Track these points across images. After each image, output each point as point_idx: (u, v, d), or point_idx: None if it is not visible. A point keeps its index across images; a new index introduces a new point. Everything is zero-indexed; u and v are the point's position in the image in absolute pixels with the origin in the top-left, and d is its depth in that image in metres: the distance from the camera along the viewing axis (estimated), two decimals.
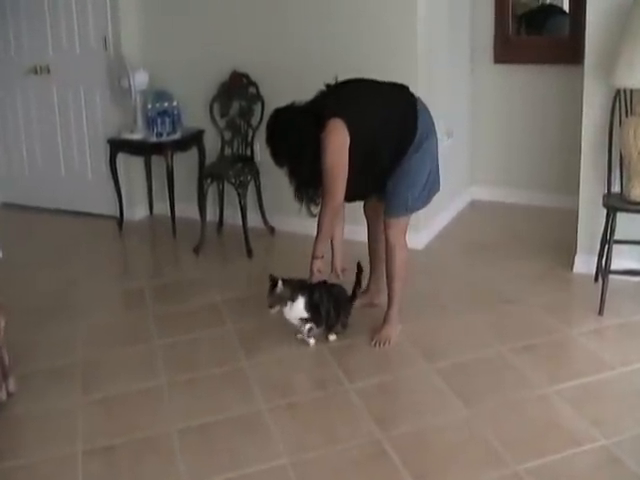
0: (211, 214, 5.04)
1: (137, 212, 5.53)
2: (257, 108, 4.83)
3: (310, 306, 3.31)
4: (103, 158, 5.36)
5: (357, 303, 3.57)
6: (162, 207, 5.38)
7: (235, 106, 4.92)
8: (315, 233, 3.29)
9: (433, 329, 3.62)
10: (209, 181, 4.78)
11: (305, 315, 3.32)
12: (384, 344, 3.35)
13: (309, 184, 3.20)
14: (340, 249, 3.49)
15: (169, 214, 5.08)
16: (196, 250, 4.75)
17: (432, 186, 3.38)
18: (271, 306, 3.30)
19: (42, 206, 5.73)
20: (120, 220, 5.33)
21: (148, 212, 5.60)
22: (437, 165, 3.37)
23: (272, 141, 3.17)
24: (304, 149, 3.08)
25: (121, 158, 5.24)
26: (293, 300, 3.28)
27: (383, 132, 3.18)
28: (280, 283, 3.26)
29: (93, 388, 3.25)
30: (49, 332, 3.80)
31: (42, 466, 2.75)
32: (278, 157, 3.19)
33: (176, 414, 3.02)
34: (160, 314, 3.94)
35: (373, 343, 3.35)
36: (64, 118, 5.54)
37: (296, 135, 3.09)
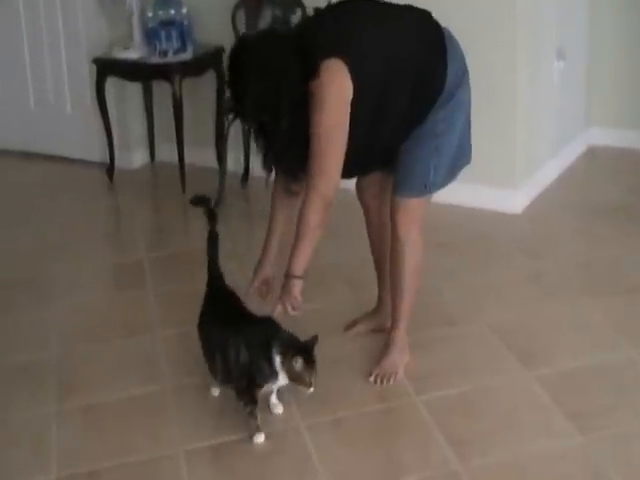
0: (233, 161, 5.05)
1: (134, 158, 5.57)
2: (296, 17, 4.78)
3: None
4: (87, 85, 5.38)
5: (362, 328, 3.50)
6: (167, 152, 5.41)
7: (266, 15, 4.89)
8: (297, 237, 2.91)
9: (534, 324, 3.60)
10: (231, 117, 4.75)
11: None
12: (388, 380, 3.19)
13: (287, 155, 2.91)
14: (275, 250, 3.12)
15: (176, 161, 5.09)
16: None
17: (461, 155, 3.13)
18: None
19: (5, 148, 5.79)
20: (111, 168, 5.36)
21: (148, 158, 5.64)
22: (469, 126, 3.16)
23: (235, 86, 2.83)
24: (284, 103, 2.75)
25: (111, 85, 5.24)
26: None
27: (399, 78, 2.88)
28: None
29: (72, 393, 3.27)
30: (15, 316, 3.84)
31: None
32: (244, 111, 2.88)
33: (183, 430, 3.02)
34: (164, 295, 3.96)
35: (372, 379, 3.19)
36: (33, 30, 5.55)
37: (273, 81, 2.75)
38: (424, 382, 3.21)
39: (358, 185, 3.34)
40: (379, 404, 3.10)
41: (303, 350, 2.80)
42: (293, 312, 2.92)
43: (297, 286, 2.90)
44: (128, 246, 4.63)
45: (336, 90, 2.76)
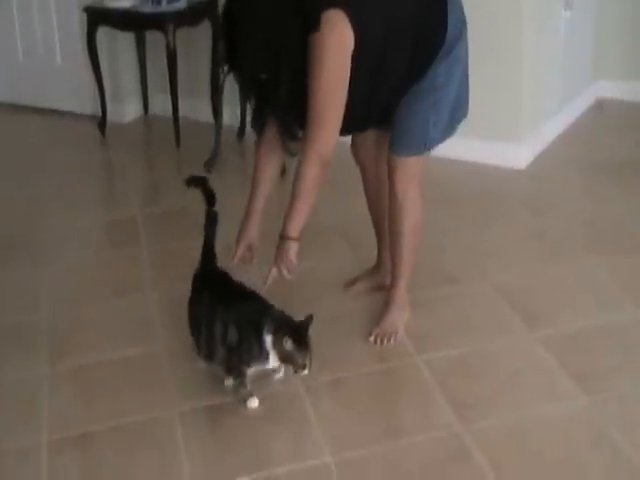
0: (229, 115, 5.03)
1: (126, 111, 5.55)
2: None
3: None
4: (77, 35, 5.33)
5: (362, 286, 3.50)
6: (161, 105, 5.38)
7: None
8: (294, 196, 2.83)
9: (538, 284, 3.60)
10: (226, 68, 4.71)
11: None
12: (388, 340, 3.19)
13: (287, 112, 2.80)
14: (259, 213, 3.03)
15: (170, 114, 5.06)
16: (208, 165, 4.75)
17: (458, 109, 3.06)
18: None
19: None
20: (102, 122, 5.34)
21: (141, 111, 5.64)
22: (467, 79, 3.07)
23: (231, 39, 2.70)
24: (284, 57, 2.66)
25: (103, 35, 5.20)
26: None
27: (399, 36, 2.81)
28: None
29: (64, 355, 3.27)
30: (5, 276, 3.84)
31: None
32: (240, 66, 2.75)
33: (178, 391, 3.02)
34: (158, 253, 3.96)
35: (372, 339, 3.19)
36: None
37: (271, 34, 2.66)
38: (425, 342, 3.21)
39: (353, 143, 3.29)
40: (379, 364, 3.10)
41: (295, 330, 2.72)
42: (288, 276, 2.87)
43: (293, 248, 2.84)
44: (121, 203, 4.63)
45: (337, 42, 2.68)
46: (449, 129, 3.08)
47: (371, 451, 2.72)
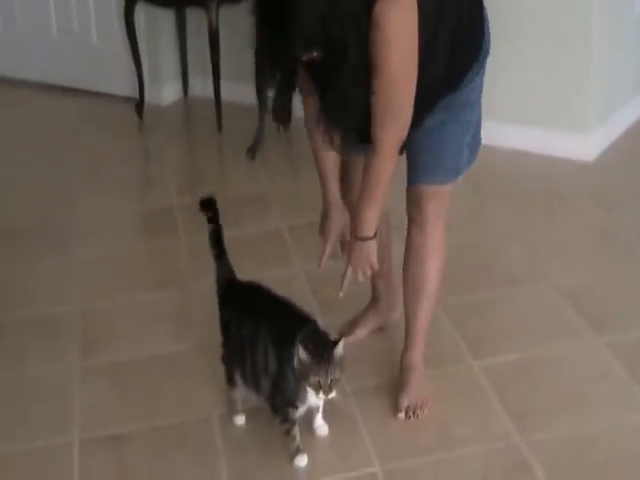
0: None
1: (165, 93, 5.56)
2: None
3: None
4: (114, 13, 5.35)
5: (361, 332, 3.26)
6: (202, 87, 5.40)
7: None
8: (368, 190, 2.65)
9: (605, 285, 3.56)
10: (263, 44, 4.72)
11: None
12: (422, 411, 2.91)
13: (351, 105, 2.53)
14: (338, 194, 2.88)
15: (211, 97, 5.07)
16: (251, 150, 4.76)
17: (479, 131, 2.89)
18: None
19: (24, 79, 5.80)
20: (140, 104, 5.36)
21: (181, 93, 5.64)
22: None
23: (280, 8, 2.35)
24: (349, 32, 2.37)
25: (141, 12, 5.23)
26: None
27: (446, 15, 2.59)
28: None
29: (96, 349, 3.31)
30: (36, 266, 3.88)
31: (21, 461, 2.82)
32: (292, 41, 2.36)
33: (217, 391, 3.01)
34: (197, 244, 3.89)
35: (403, 415, 2.90)
36: None
37: (332, 4, 2.33)
38: (482, 346, 3.20)
39: (345, 183, 2.93)
40: (433, 370, 3.07)
41: (318, 342, 2.54)
42: (362, 279, 2.78)
43: (373, 249, 2.71)
44: (158, 190, 4.64)
45: (408, 15, 2.45)
46: (477, 152, 2.90)
47: (421, 461, 2.71)
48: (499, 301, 3.46)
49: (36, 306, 3.59)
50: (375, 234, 2.70)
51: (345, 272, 2.74)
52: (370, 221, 2.68)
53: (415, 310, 2.96)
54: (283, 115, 2.76)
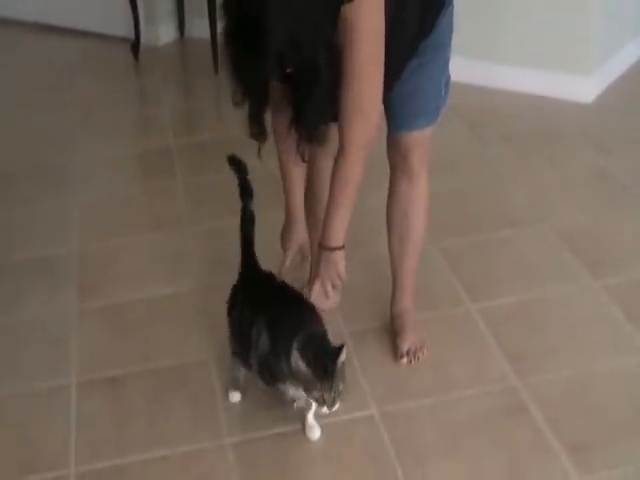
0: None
1: (161, 34, 5.52)
2: None
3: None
4: None
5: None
6: (198, 27, 5.35)
7: None
8: (335, 196, 2.53)
9: (604, 228, 3.55)
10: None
11: None
12: (422, 353, 2.91)
13: (324, 112, 2.45)
14: (301, 209, 2.84)
15: (208, 37, 5.02)
16: None
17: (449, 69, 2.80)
18: None
19: (19, 19, 5.76)
20: (136, 44, 5.31)
21: (177, 34, 5.60)
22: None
23: (250, 21, 2.26)
24: (319, 39, 2.30)
25: None
26: None
27: None
28: None
29: (93, 292, 3.30)
30: (32, 208, 3.87)
31: (18, 403, 2.83)
32: (265, 58, 2.28)
33: (214, 334, 3.00)
34: (194, 186, 3.97)
35: (405, 360, 2.90)
36: None
37: (304, 10, 2.25)
38: (480, 289, 3.18)
39: (310, 197, 2.87)
40: (430, 312, 3.07)
41: (318, 351, 2.44)
42: (332, 294, 2.63)
43: (342, 260, 2.59)
44: (155, 132, 4.62)
45: (376, 16, 2.40)
46: (449, 88, 2.80)
47: (418, 404, 2.71)
48: (497, 244, 3.45)
49: (32, 249, 3.58)
50: (343, 245, 2.59)
51: (312, 284, 2.62)
52: (337, 230, 2.57)
53: (402, 258, 2.94)
54: (258, 132, 2.57)
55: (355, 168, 2.50)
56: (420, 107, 2.72)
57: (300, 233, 2.83)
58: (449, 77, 2.74)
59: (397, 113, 2.73)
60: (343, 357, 2.43)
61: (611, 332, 2.97)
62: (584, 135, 4.22)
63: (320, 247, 2.60)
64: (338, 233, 2.57)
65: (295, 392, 2.48)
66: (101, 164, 4.25)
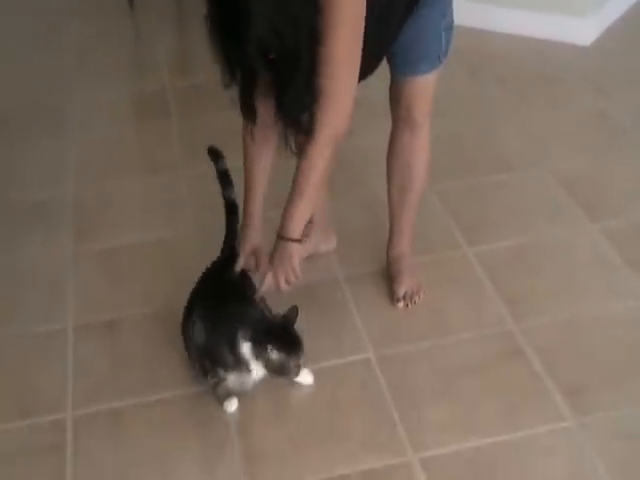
0: None
1: None
2: None
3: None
4: None
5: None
6: None
7: None
8: (297, 186, 2.47)
9: (601, 171, 3.53)
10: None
11: None
12: (418, 296, 2.91)
13: (303, 99, 2.39)
14: (260, 211, 2.70)
15: None
16: None
17: (452, 15, 2.73)
18: None
19: None
20: None
21: None
22: None
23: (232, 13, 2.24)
24: (303, 28, 2.27)
25: None
26: None
27: None
28: None
29: (89, 235, 3.30)
30: (29, 149, 3.85)
31: (16, 346, 2.83)
32: (247, 48, 2.24)
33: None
34: (189, 129, 3.94)
35: (402, 305, 2.90)
36: None
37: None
38: (476, 233, 3.17)
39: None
40: (425, 255, 3.06)
41: (280, 334, 2.45)
42: (285, 286, 2.56)
43: (296, 253, 2.52)
44: (149, 74, 4.59)
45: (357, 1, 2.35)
46: (452, 34, 2.73)
47: (415, 347, 2.71)
48: (494, 187, 3.43)
49: (28, 191, 3.57)
50: (300, 239, 2.51)
51: (264, 274, 2.56)
52: (296, 221, 2.50)
53: (402, 206, 2.92)
54: (248, 113, 2.52)
55: (320, 160, 2.43)
56: (421, 53, 2.66)
57: (255, 234, 2.69)
58: (450, 23, 2.68)
59: (399, 60, 2.68)
60: (296, 321, 2.47)
61: (608, 276, 2.96)
62: (583, 77, 4.19)
63: (277, 236, 2.52)
64: (297, 225, 2.49)
65: (237, 378, 2.49)
66: (97, 106, 4.22)
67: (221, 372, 2.52)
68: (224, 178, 2.77)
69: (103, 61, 4.67)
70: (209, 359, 2.53)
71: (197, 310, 2.59)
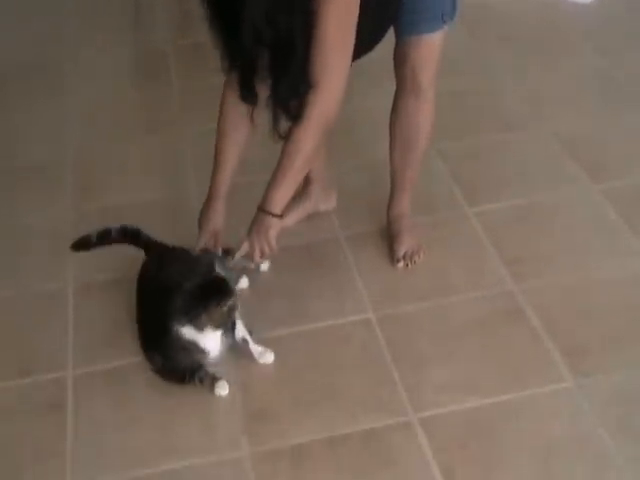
0: None
1: None
2: None
3: None
4: None
5: (292, 217, 2.99)
6: None
7: None
8: (281, 167, 2.46)
9: (603, 131, 3.51)
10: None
11: None
12: (419, 256, 2.90)
13: (298, 83, 2.39)
14: (225, 193, 2.69)
15: None
16: None
17: None
18: None
19: None
20: None
21: None
22: None
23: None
24: (297, 14, 2.28)
25: None
26: None
27: None
28: None
29: (90, 196, 3.30)
30: (28, 112, 3.83)
31: (17, 305, 2.84)
32: (242, 35, 2.28)
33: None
34: (190, 89, 3.93)
35: (402, 265, 2.88)
36: None
37: None
38: (477, 193, 3.16)
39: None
40: (426, 216, 3.05)
41: (202, 296, 2.41)
42: (259, 260, 2.60)
43: (274, 227, 2.52)
44: (149, 33, 4.58)
45: None
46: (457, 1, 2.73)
47: (415, 307, 2.71)
48: (495, 148, 3.41)
49: (27, 152, 3.56)
50: (281, 215, 2.51)
51: (242, 242, 2.57)
52: (279, 199, 2.50)
53: (404, 164, 2.90)
54: (248, 95, 2.50)
55: (306, 144, 2.43)
56: (425, 13, 2.62)
57: (217, 215, 2.69)
58: None
59: (403, 20, 2.64)
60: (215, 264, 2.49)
61: (609, 237, 2.95)
62: (584, 36, 4.15)
63: (258, 208, 2.51)
64: (279, 201, 2.49)
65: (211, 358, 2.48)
66: (97, 66, 4.20)
67: (194, 366, 2.48)
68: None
69: (103, 20, 4.65)
70: (179, 369, 2.50)
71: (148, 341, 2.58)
